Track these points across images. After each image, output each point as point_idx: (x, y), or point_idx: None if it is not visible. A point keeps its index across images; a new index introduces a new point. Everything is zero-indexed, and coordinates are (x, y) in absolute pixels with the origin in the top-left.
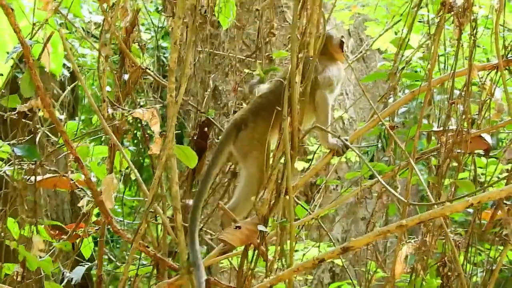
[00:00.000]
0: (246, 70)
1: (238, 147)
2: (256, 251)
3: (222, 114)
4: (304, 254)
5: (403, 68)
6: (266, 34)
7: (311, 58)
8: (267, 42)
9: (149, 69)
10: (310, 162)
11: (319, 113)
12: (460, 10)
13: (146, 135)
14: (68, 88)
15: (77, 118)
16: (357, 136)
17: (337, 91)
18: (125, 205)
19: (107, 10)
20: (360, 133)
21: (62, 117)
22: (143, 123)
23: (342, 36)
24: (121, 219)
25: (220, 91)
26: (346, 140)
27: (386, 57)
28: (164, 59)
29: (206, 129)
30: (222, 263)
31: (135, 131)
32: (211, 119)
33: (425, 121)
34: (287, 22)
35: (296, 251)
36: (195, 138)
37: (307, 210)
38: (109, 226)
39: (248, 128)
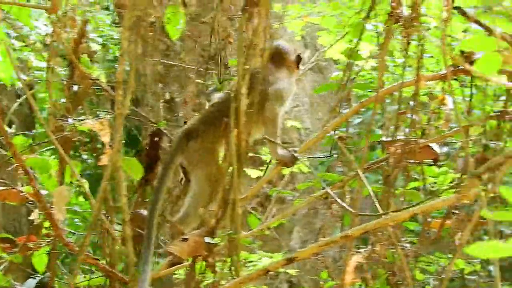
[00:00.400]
0: (202, 81)
1: (187, 157)
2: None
3: (178, 126)
4: (255, 265)
5: (353, 79)
6: (222, 42)
7: (258, 70)
8: (223, 49)
9: (99, 80)
10: (264, 171)
11: (268, 125)
12: (407, 20)
13: (96, 147)
14: (20, 99)
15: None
16: (307, 147)
17: (288, 104)
18: (85, 219)
19: (56, 21)
20: (310, 144)
21: (11, 130)
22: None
23: (300, 52)
24: (73, 231)
25: (177, 103)
26: (295, 151)
27: (340, 68)
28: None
29: (157, 139)
30: (176, 273)
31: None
32: (162, 129)
33: (379, 131)
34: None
35: (250, 261)
36: (146, 148)
37: (259, 219)
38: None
39: (198, 138)
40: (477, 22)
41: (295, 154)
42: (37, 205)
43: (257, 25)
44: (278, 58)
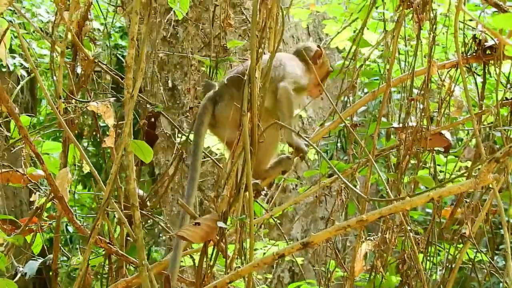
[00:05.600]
0: (203, 69)
1: (219, 118)
2: (216, 248)
3: (181, 114)
4: (264, 253)
5: (361, 66)
6: (222, 24)
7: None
8: (224, 31)
9: (102, 62)
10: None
11: (282, 109)
12: (419, 6)
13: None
14: (21, 83)
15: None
16: (319, 137)
17: (302, 95)
18: (84, 206)
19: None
20: (322, 134)
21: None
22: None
23: (319, 46)
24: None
25: (179, 91)
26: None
27: (344, 55)
28: (122, 58)
29: (153, 119)
30: (182, 261)
31: (94, 132)
32: (161, 111)
33: (384, 120)
34: (243, 14)
35: (256, 249)
36: (145, 128)
37: (264, 208)
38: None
39: (225, 99)
40: (497, 6)
41: (308, 141)
42: (40, 187)
43: (271, 7)
44: (299, 53)
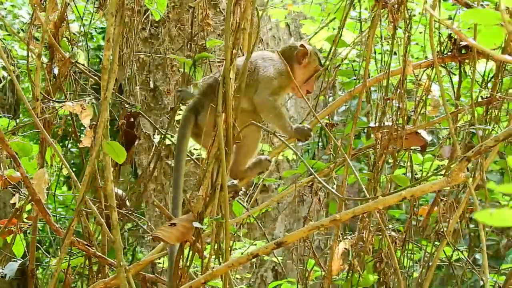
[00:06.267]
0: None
1: (203, 127)
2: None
3: (164, 114)
4: (242, 253)
5: (338, 66)
6: (201, 24)
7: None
8: (202, 31)
9: (79, 63)
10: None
11: (267, 117)
12: (394, 6)
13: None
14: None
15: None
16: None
17: (282, 93)
18: (67, 206)
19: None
20: None
21: None
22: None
23: (306, 47)
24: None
25: (161, 91)
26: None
27: (324, 55)
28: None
29: (133, 119)
30: (160, 263)
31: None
32: (140, 111)
33: (364, 119)
34: (222, 14)
35: (235, 249)
36: (124, 128)
37: (245, 207)
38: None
39: (206, 109)
40: (468, 6)
41: (310, 127)
42: (20, 189)
43: (245, 8)
44: (284, 52)
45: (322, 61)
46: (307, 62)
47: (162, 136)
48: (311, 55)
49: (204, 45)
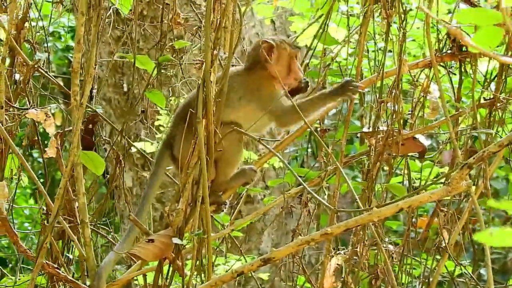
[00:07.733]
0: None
1: (179, 158)
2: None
3: (139, 121)
4: (226, 270)
5: (328, 65)
6: (170, 23)
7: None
8: (170, 31)
9: (42, 68)
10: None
11: (300, 117)
12: (387, 0)
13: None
14: None
15: None
16: (287, 143)
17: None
18: (36, 222)
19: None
20: (290, 141)
21: None
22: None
23: (268, 41)
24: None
25: (135, 95)
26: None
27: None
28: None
29: (91, 126)
30: (136, 281)
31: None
32: (100, 114)
33: (357, 123)
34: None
35: (218, 265)
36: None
37: (218, 222)
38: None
39: (178, 140)
40: (467, 1)
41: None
42: None
43: (226, 5)
44: (247, 58)
45: (295, 43)
46: (278, 54)
47: (119, 139)
48: (278, 45)
49: (172, 45)
